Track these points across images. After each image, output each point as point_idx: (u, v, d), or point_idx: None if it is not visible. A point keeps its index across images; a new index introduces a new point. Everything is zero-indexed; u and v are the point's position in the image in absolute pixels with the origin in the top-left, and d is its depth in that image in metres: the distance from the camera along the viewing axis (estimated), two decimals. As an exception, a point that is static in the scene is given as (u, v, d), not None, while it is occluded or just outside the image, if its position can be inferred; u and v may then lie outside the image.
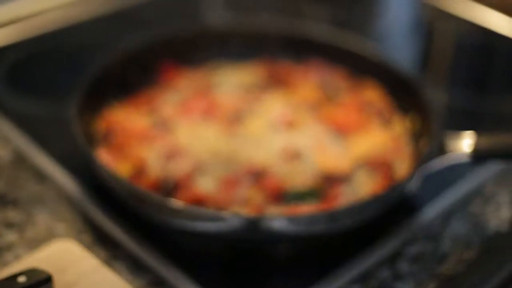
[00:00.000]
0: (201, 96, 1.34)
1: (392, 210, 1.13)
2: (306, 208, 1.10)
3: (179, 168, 1.17)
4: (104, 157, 1.18)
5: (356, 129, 1.30)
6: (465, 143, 1.12)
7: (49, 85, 1.44)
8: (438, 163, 1.13)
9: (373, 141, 1.27)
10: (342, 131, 1.29)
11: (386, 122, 1.31)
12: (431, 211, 1.18)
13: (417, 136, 1.24)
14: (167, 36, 1.41)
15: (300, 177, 1.17)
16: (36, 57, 1.53)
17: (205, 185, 1.15)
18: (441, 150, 1.14)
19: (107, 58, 1.31)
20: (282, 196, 1.13)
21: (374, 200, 1.06)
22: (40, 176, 1.22)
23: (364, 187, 1.16)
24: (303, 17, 1.50)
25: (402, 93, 1.32)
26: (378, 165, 1.20)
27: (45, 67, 1.51)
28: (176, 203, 1.01)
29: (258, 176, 1.16)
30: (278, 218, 1.02)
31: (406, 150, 1.25)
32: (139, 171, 1.17)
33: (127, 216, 1.12)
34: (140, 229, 1.10)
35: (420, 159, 1.14)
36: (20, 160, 1.26)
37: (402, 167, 1.21)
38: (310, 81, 1.41)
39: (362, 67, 1.40)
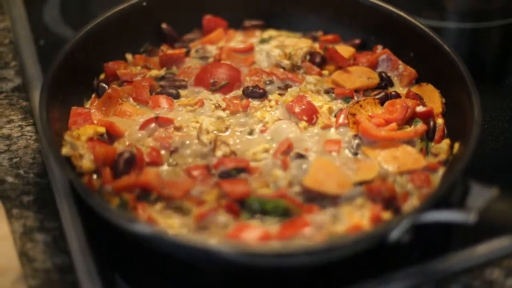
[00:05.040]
0: (223, 65, 1.16)
1: (373, 259, 0.93)
2: (252, 231, 0.91)
3: (152, 142, 1.03)
4: (80, 112, 1.06)
5: (387, 140, 1.05)
6: (478, 200, 0.86)
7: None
8: (435, 216, 0.88)
9: (400, 162, 1.02)
10: (369, 138, 1.06)
11: (428, 142, 1.06)
12: (426, 271, 0.94)
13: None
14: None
15: (280, 184, 0.98)
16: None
17: (166, 172, 1.00)
18: (456, 203, 0.88)
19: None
20: (243, 204, 0.95)
21: (330, 248, 0.86)
22: (26, 114, 1.15)
23: (349, 218, 0.94)
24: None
25: (458, 116, 1.05)
26: (381, 195, 0.96)
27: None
28: (98, 200, 0.89)
29: (227, 174, 0.98)
30: (182, 241, 0.86)
31: (431, 186, 0.99)
32: (113, 135, 1.05)
33: (75, 194, 1.00)
34: (80, 210, 0.99)
35: (414, 209, 0.90)
36: (20, 91, 1.19)
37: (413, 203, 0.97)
38: (368, 66, 1.18)
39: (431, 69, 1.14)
